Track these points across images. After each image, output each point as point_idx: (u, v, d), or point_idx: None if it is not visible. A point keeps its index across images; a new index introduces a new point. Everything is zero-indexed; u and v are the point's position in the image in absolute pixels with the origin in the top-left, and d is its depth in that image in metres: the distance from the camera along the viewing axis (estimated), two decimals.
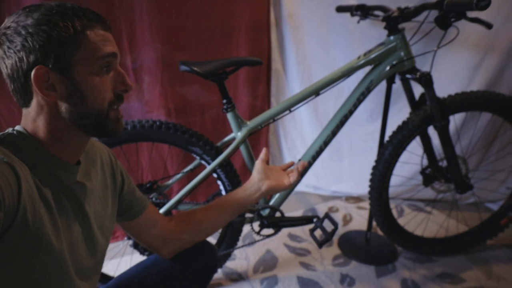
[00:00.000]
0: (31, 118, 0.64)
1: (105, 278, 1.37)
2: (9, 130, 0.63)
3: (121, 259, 1.64)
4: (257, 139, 2.20)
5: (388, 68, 1.37)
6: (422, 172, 1.55)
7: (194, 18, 1.77)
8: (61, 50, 0.60)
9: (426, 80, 1.34)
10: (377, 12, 1.49)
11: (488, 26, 1.23)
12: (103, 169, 0.80)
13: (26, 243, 0.56)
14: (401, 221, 1.65)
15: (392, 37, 1.35)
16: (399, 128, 1.45)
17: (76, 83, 0.62)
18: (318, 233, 1.33)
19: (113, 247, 1.71)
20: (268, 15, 1.98)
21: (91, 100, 0.64)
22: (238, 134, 1.34)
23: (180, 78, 1.83)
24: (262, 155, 1.05)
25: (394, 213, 1.66)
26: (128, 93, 0.69)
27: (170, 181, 1.44)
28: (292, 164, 1.12)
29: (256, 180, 1.02)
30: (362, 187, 2.05)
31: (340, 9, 1.65)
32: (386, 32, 1.38)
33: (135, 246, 1.33)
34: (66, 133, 0.65)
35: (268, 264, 1.64)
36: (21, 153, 0.61)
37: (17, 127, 0.65)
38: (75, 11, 0.62)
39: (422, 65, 1.55)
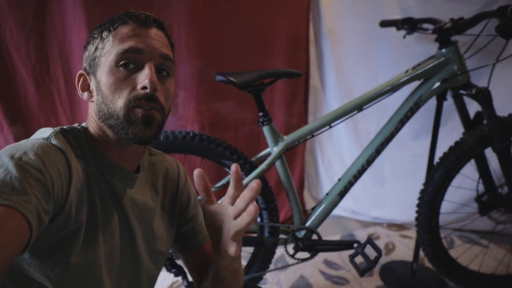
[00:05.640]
0: (88, 115, 0.66)
1: None
2: (75, 124, 0.65)
3: None
4: (293, 158, 2.11)
5: (439, 83, 1.27)
6: (478, 199, 1.39)
7: (231, 33, 1.76)
8: (92, 51, 0.63)
9: (484, 96, 1.22)
10: (426, 25, 1.40)
11: None
12: (165, 187, 0.76)
13: (64, 237, 0.55)
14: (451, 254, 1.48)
15: (444, 50, 1.26)
16: (452, 149, 1.33)
17: (98, 82, 0.62)
18: (359, 259, 1.21)
19: None
20: (307, 31, 1.94)
21: (109, 100, 0.60)
22: (274, 149, 1.27)
23: (215, 94, 1.81)
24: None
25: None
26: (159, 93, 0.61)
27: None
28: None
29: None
30: (406, 213, 1.89)
31: (385, 23, 1.56)
32: (434, 48, 1.29)
33: None
34: (106, 134, 0.63)
35: None
36: (80, 147, 0.61)
37: (83, 123, 0.67)
38: (121, 14, 0.63)
39: (476, 81, 1.43)
